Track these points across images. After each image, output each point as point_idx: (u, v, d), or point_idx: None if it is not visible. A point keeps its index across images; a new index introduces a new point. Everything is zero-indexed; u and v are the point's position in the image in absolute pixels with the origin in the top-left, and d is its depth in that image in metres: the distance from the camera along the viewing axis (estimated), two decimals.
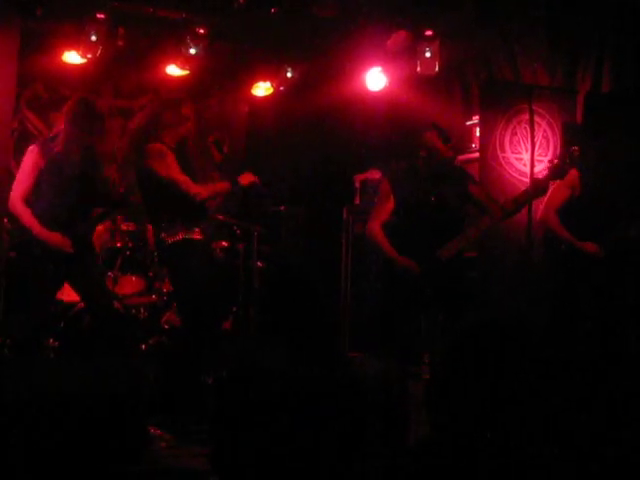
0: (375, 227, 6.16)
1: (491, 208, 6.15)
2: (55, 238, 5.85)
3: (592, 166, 6.31)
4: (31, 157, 5.88)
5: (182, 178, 6.05)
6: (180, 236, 6.05)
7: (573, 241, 6.25)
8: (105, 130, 6.09)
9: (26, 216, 5.82)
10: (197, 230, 6.13)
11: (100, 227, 6.74)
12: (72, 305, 6.48)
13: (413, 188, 6.15)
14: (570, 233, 6.27)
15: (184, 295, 6.21)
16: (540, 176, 6.43)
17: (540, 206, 6.38)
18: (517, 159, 7.34)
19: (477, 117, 7.68)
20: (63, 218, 5.90)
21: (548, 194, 6.36)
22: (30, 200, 5.86)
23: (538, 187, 6.17)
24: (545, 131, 7.41)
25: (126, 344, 6.21)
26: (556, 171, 6.20)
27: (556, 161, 6.40)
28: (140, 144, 6.29)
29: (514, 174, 7.30)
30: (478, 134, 7.56)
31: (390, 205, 6.17)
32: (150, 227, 6.93)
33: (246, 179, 6.24)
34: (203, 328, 6.10)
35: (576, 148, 6.27)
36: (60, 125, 6.06)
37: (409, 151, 6.43)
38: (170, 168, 6.03)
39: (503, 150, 7.35)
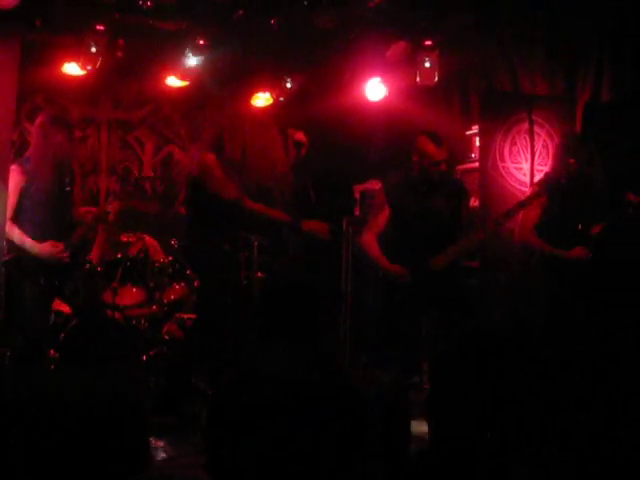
0: (368, 239, 6.16)
1: (485, 222, 6.18)
2: (47, 250, 5.93)
3: (587, 173, 6.30)
4: (12, 176, 5.98)
5: (228, 190, 6.11)
6: (216, 246, 6.10)
7: (554, 252, 6.22)
8: (75, 139, 6.25)
9: (16, 234, 5.91)
10: (229, 242, 6.19)
11: (100, 238, 6.76)
12: (72, 316, 6.48)
13: (408, 199, 6.16)
14: (556, 244, 6.25)
15: (209, 305, 6.24)
16: (535, 187, 6.46)
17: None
18: (517, 169, 7.34)
19: (477, 127, 7.69)
20: (50, 231, 5.98)
21: (520, 214, 6.34)
22: (16, 217, 5.95)
23: (531, 198, 6.20)
24: (545, 141, 7.42)
25: (126, 354, 6.23)
26: (551, 182, 6.20)
27: (551, 174, 6.40)
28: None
29: (514, 184, 7.30)
30: (478, 144, 7.57)
31: (384, 216, 6.17)
32: (149, 238, 6.95)
33: (314, 227, 6.27)
34: (215, 339, 6.11)
35: (572, 161, 6.26)
36: (33, 142, 6.18)
37: (405, 161, 6.45)
38: (219, 182, 6.09)
39: (503, 160, 7.35)
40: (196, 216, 6.34)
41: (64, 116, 6.43)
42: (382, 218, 6.18)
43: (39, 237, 5.97)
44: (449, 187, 6.29)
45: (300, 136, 6.42)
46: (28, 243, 5.91)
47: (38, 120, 6.18)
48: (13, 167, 6.06)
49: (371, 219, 6.35)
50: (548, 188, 6.18)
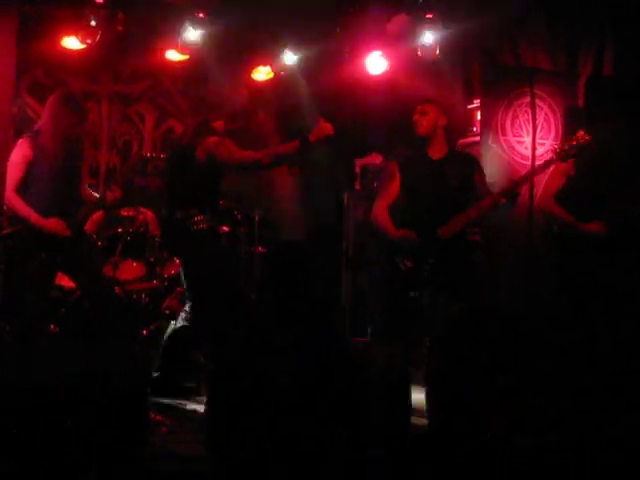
0: (380, 208, 6.14)
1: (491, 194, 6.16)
2: (52, 224, 5.92)
3: (592, 149, 6.27)
4: (20, 149, 6.01)
5: (243, 155, 6.34)
6: (207, 225, 6.15)
7: (575, 223, 6.24)
8: (86, 119, 6.28)
9: (21, 206, 5.91)
10: (206, 218, 6.22)
11: (100, 213, 6.74)
12: (73, 291, 6.48)
13: (420, 170, 6.14)
14: (572, 216, 6.27)
15: (197, 282, 6.27)
16: (543, 159, 6.43)
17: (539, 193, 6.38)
18: (518, 142, 7.33)
19: (478, 101, 7.66)
20: (55, 207, 5.98)
21: (544, 181, 6.37)
22: (22, 190, 5.94)
23: (539, 169, 6.17)
24: (546, 114, 7.40)
25: (126, 330, 6.23)
26: (560, 155, 6.18)
27: (559, 145, 6.38)
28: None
29: (515, 157, 7.30)
30: (479, 118, 7.54)
31: (396, 185, 6.15)
32: (149, 213, 6.93)
33: (319, 132, 6.30)
34: (209, 315, 6.12)
35: (582, 133, 6.23)
36: (43, 119, 6.17)
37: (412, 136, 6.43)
38: (230, 151, 6.28)
39: (504, 133, 7.35)
40: (181, 191, 6.38)
41: (75, 96, 6.41)
42: (394, 187, 6.17)
43: (43, 211, 5.96)
44: (462, 157, 6.29)
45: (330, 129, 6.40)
46: (33, 217, 5.91)
47: (49, 99, 6.16)
48: (22, 139, 6.07)
49: (382, 189, 6.33)
50: (558, 159, 6.16)
